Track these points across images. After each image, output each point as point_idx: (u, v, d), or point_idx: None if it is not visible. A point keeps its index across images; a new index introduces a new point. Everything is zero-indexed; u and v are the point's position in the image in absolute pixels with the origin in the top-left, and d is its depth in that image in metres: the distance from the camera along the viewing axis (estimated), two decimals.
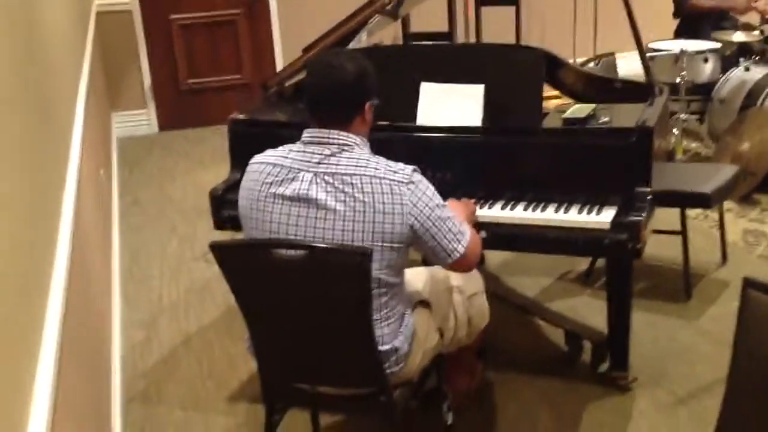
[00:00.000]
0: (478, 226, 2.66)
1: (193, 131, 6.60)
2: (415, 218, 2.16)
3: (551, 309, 3.46)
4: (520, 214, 2.71)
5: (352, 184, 2.15)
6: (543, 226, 2.68)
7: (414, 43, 6.17)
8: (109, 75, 6.48)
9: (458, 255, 2.23)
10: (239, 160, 3.08)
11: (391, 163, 2.20)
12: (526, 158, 2.81)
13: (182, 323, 3.71)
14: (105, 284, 3.59)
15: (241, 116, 3.14)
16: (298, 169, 2.21)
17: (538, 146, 2.79)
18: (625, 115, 2.84)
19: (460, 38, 6.24)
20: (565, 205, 2.70)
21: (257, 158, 2.30)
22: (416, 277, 2.49)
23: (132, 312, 3.84)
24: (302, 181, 2.19)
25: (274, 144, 2.37)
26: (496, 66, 2.92)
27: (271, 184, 2.22)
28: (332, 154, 2.19)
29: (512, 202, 2.76)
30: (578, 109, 2.87)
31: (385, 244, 2.16)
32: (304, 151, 2.23)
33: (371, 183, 2.15)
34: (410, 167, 2.20)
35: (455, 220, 2.24)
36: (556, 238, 2.66)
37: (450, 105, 2.88)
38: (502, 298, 3.42)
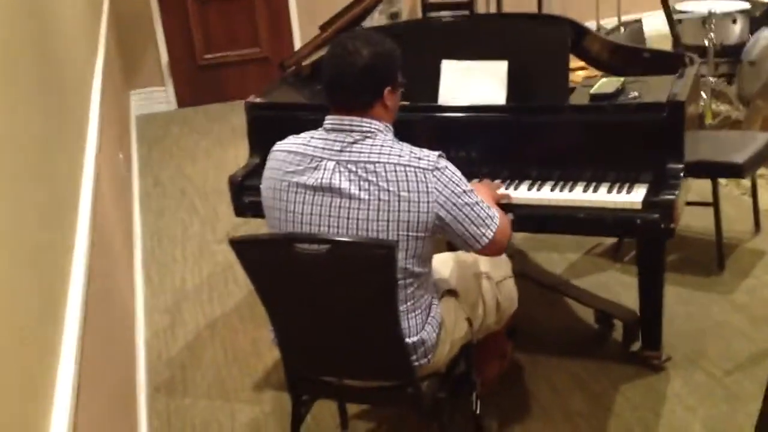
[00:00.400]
0: (504, 208, 2.59)
1: (212, 107, 6.54)
2: (441, 206, 2.09)
3: (580, 286, 3.38)
4: (547, 194, 2.63)
5: (375, 172, 2.08)
6: (571, 206, 2.60)
7: (432, 16, 6.06)
8: (126, 53, 6.42)
9: (487, 240, 2.17)
10: (258, 144, 3.02)
11: (416, 150, 2.12)
12: (553, 137, 2.72)
13: (206, 308, 3.67)
14: (127, 269, 3.56)
15: (258, 99, 3.06)
16: (321, 157, 2.14)
17: (565, 124, 2.70)
18: (654, 89, 2.74)
19: (480, 6, 6.11)
20: (594, 185, 2.62)
21: (278, 146, 2.24)
22: (443, 265, 2.43)
23: (156, 297, 3.81)
24: (325, 169, 2.12)
25: (293, 127, 2.31)
26: (519, 40, 2.82)
27: (293, 173, 2.16)
28: (355, 142, 2.12)
29: (539, 183, 2.69)
30: (606, 83, 2.77)
31: (410, 234, 2.09)
32: (326, 139, 2.16)
33: (395, 171, 2.08)
34: (435, 153, 2.12)
35: (483, 205, 2.17)
36: (585, 218, 2.57)
37: (472, 83, 2.79)
38: (529, 277, 3.35)
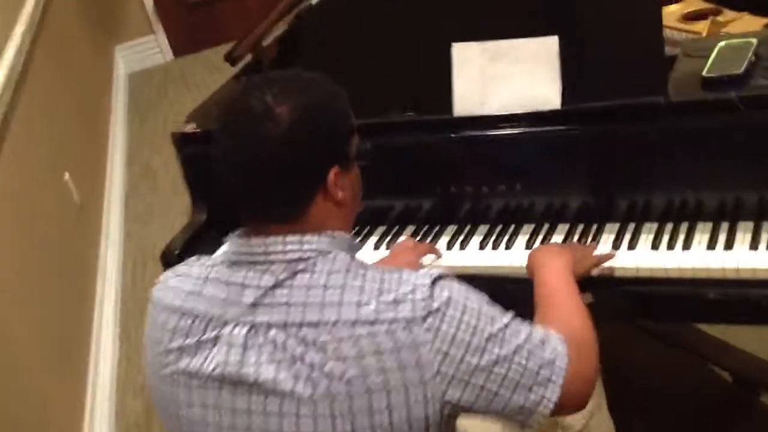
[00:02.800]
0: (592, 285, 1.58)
1: (211, 52, 5.50)
2: (451, 380, 1.11)
3: (716, 338, 2.28)
4: (665, 255, 1.59)
5: (319, 344, 1.10)
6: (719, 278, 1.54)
7: None
8: (104, 3, 5.39)
9: (551, 405, 1.18)
10: (202, 194, 2.05)
11: (390, 280, 1.15)
12: (649, 155, 1.65)
13: None
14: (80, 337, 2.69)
15: (191, 127, 2.06)
16: (220, 318, 1.17)
17: (664, 134, 1.62)
18: None
19: None
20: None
21: (156, 293, 1.27)
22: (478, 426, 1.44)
23: (133, 372, 2.94)
24: (230, 344, 1.15)
25: None
26: None
27: (179, 351, 1.19)
28: (277, 285, 1.15)
29: (631, 234, 1.65)
30: (726, 51, 1.65)
31: None
32: (228, 282, 1.18)
33: (354, 337, 1.10)
34: (427, 278, 1.14)
35: (532, 342, 1.18)
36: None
37: (506, 76, 1.72)
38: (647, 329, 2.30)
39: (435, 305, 1.12)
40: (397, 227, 1.87)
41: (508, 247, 1.72)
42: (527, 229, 1.75)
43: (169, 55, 5.65)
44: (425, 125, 1.78)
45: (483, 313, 1.15)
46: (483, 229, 1.79)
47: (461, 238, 1.78)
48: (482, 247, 1.74)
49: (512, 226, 1.77)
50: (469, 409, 1.16)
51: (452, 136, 1.76)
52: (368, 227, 1.90)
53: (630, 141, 1.65)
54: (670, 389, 2.23)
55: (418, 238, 1.82)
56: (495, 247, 1.73)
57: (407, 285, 1.13)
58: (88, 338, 2.81)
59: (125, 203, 4.00)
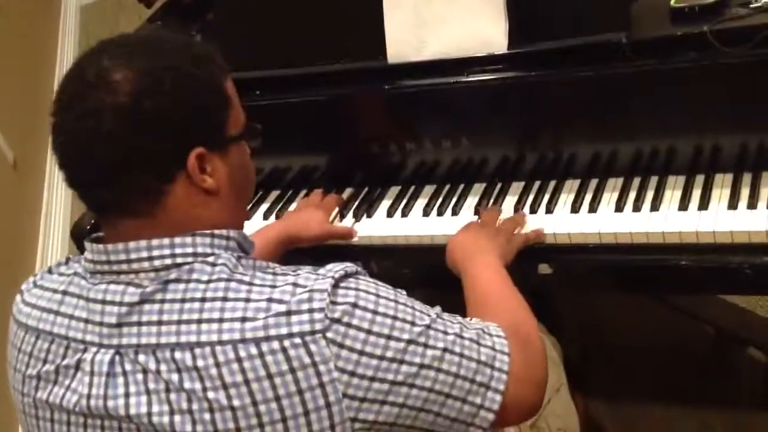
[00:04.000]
0: (536, 255, 1.39)
1: None
2: (360, 404, 0.92)
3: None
4: (631, 218, 1.38)
5: (198, 369, 0.90)
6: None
7: None
8: None
9: (491, 416, 0.99)
10: None
11: (283, 284, 0.94)
12: (611, 103, 1.43)
13: None
14: None
15: None
16: (82, 341, 0.97)
17: (633, 76, 1.39)
18: None
19: None
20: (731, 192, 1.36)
21: (16, 304, 1.06)
22: None
23: None
24: (92, 372, 0.96)
25: None
26: None
27: (35, 378, 1.00)
28: (143, 300, 0.94)
29: (592, 194, 1.44)
30: None
31: None
32: (87, 297, 0.97)
33: (240, 360, 0.90)
34: (327, 281, 0.93)
35: (464, 335, 0.99)
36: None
37: (444, 16, 1.48)
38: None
39: (337, 314, 0.91)
40: (334, 191, 1.65)
41: (455, 213, 1.52)
42: (477, 189, 1.54)
43: None
44: (356, 75, 1.55)
45: (398, 316, 0.95)
46: (428, 190, 1.58)
47: (403, 203, 1.57)
48: (426, 213, 1.53)
49: (460, 187, 1.56)
50: (390, 429, 0.97)
51: (386, 87, 1.53)
52: (293, 190, 1.68)
53: (589, 86, 1.42)
54: (649, 343, 2.05)
55: (356, 205, 1.61)
56: (441, 212, 1.52)
57: (303, 292, 0.92)
58: None
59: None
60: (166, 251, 0.95)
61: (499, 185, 1.53)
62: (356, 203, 1.61)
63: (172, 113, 0.94)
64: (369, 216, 1.57)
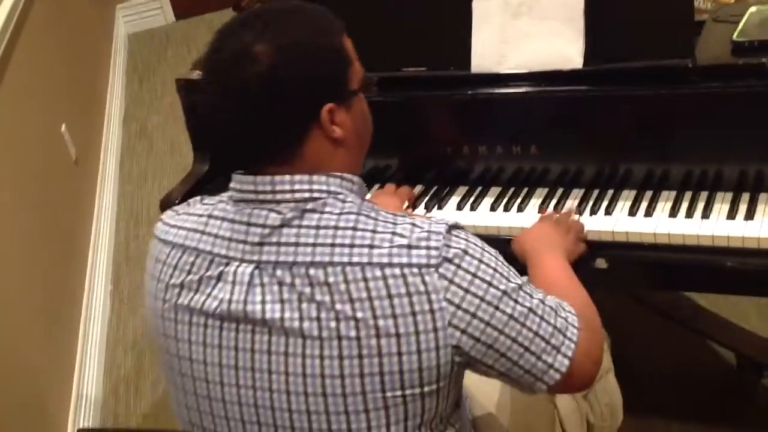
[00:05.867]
0: (590, 248, 1.54)
1: (213, 16, 5.41)
2: (464, 332, 1.07)
3: (717, 315, 2.23)
4: (672, 222, 1.54)
5: (328, 284, 1.05)
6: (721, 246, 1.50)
7: None
8: None
9: (558, 376, 1.13)
10: (203, 143, 1.99)
11: (404, 223, 1.09)
12: (672, 121, 1.60)
13: None
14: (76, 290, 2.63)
15: (195, 75, 1.99)
16: (225, 256, 1.12)
17: (692, 99, 1.57)
18: None
19: None
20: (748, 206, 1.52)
21: (157, 230, 1.22)
22: (487, 384, 1.39)
23: (123, 328, 2.89)
24: (235, 282, 1.11)
25: None
26: None
27: (179, 288, 1.15)
28: (284, 224, 1.09)
29: (648, 201, 1.60)
30: (757, 17, 1.60)
31: (408, 393, 1.07)
32: (232, 220, 1.13)
33: (366, 279, 1.05)
34: (442, 225, 1.09)
35: (546, 307, 1.14)
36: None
37: (528, 34, 1.66)
38: (639, 300, 2.26)
39: (450, 255, 1.07)
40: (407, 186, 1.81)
41: (520, 209, 1.68)
42: (541, 192, 1.70)
43: (170, 16, 5.55)
44: (440, 81, 1.73)
45: (498, 269, 1.10)
46: (495, 191, 1.74)
47: (471, 199, 1.73)
48: (494, 209, 1.69)
49: (525, 189, 1.72)
50: (476, 366, 1.11)
51: (468, 93, 1.71)
52: (377, 185, 1.84)
53: (654, 105, 1.59)
54: (670, 366, 2.19)
55: (426, 199, 1.77)
56: (507, 209, 1.69)
57: (421, 231, 1.08)
58: (80, 295, 2.75)
59: (121, 163, 3.93)
60: (306, 186, 1.10)
61: (561, 189, 1.69)
62: (427, 198, 1.78)
63: (304, 80, 1.10)
64: (440, 208, 1.73)
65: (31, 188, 2.51)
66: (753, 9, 1.61)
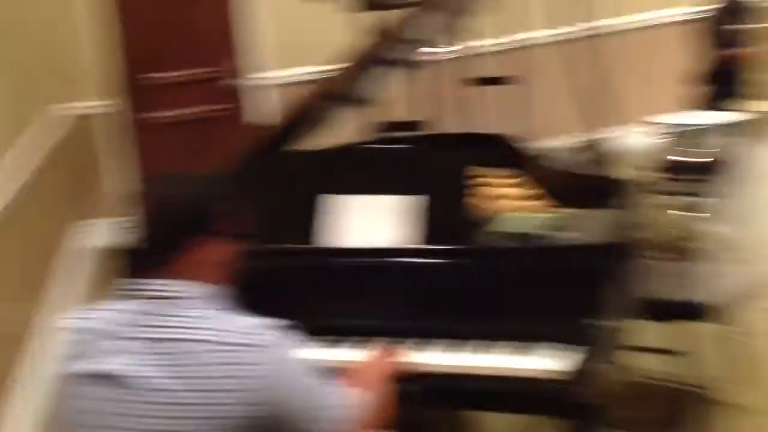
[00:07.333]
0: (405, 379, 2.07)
1: None
2: (270, 388, 1.60)
3: None
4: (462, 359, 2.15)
5: (182, 353, 1.60)
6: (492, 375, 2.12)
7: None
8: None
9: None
10: None
11: (246, 323, 1.64)
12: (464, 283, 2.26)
13: None
14: None
15: None
16: (109, 334, 1.66)
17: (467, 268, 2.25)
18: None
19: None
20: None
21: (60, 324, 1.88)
22: None
23: None
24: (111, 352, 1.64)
25: None
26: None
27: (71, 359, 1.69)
28: (150, 313, 1.64)
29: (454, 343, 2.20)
30: (521, 221, 2.30)
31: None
32: (113, 309, 1.69)
33: (213, 353, 1.59)
34: (278, 327, 1.65)
35: (333, 389, 1.72)
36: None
37: (368, 220, 2.35)
38: None
39: (271, 342, 1.62)
40: None
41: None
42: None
43: None
44: (297, 252, 2.38)
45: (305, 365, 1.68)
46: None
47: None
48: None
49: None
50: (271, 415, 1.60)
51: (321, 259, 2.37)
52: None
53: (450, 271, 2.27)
54: None
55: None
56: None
57: (258, 324, 1.63)
58: None
59: None
60: (174, 288, 1.65)
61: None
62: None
63: (181, 214, 1.67)
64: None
65: None
66: (520, 216, 2.30)
